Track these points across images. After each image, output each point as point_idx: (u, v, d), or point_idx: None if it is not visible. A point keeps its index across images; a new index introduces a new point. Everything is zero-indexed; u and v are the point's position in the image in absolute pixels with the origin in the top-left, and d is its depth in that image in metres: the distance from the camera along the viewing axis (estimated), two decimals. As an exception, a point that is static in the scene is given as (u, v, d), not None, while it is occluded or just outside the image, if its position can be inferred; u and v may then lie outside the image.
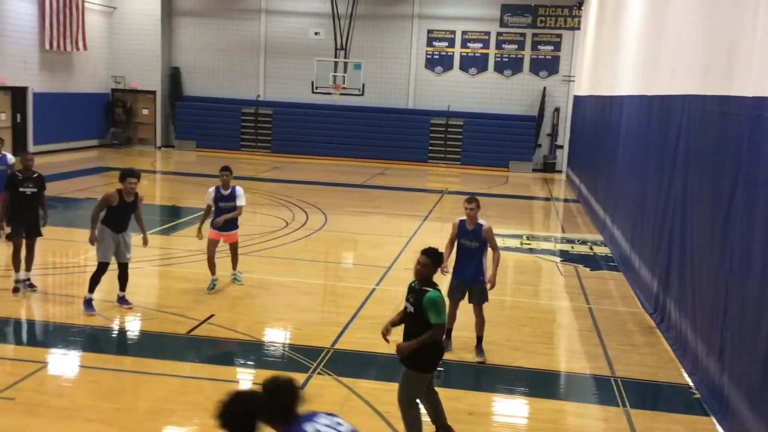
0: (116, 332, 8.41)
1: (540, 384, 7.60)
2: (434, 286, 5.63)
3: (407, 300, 5.73)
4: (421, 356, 5.61)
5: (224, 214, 9.77)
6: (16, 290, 9.25)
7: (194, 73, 28.89)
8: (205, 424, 6.19)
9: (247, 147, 28.38)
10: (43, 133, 24.33)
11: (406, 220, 16.31)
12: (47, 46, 23.83)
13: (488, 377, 7.70)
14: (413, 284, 5.72)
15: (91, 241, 8.65)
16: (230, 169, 10.11)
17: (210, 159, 26.17)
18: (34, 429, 5.90)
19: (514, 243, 14.27)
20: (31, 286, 9.43)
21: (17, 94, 23.38)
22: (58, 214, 15.59)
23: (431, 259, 5.64)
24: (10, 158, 11.90)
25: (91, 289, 8.66)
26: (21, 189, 9.21)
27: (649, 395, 7.49)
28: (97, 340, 8.07)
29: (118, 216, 8.69)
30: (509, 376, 7.71)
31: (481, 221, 7.92)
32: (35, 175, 9.40)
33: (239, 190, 9.97)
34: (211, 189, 9.93)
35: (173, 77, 28.85)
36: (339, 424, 3.66)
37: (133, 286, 9.43)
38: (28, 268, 9.44)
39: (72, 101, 25.76)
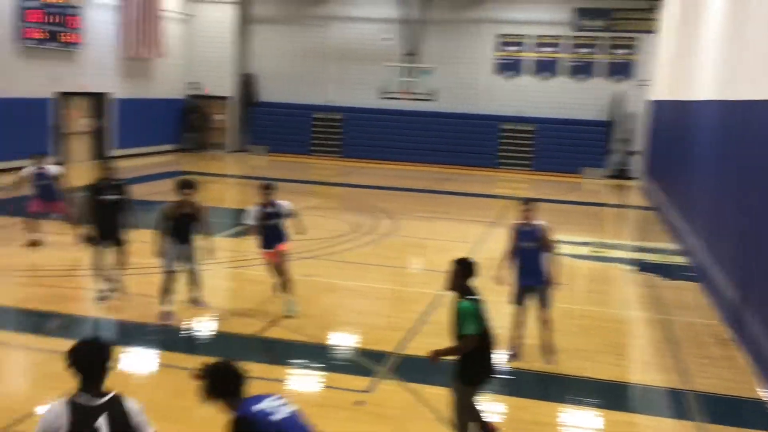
0: (189, 332, 8.62)
1: (610, 395, 7.41)
2: (466, 295, 5.50)
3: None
4: (465, 368, 5.55)
5: (271, 230, 9.38)
6: (101, 299, 9.28)
7: (268, 78, 29.42)
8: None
9: (317, 152, 28.73)
10: (122, 138, 25.20)
11: (474, 226, 16.18)
12: (127, 54, 24.69)
13: (555, 387, 7.56)
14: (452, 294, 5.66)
15: (157, 254, 8.71)
16: (272, 186, 9.71)
17: (281, 163, 26.63)
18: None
19: (585, 251, 13.98)
20: (119, 291, 9.52)
21: (98, 100, 24.31)
22: (135, 216, 16.11)
23: (459, 267, 5.56)
24: (53, 170, 12.21)
25: (163, 300, 8.72)
26: (103, 197, 9.22)
27: (725, 410, 7.21)
28: (170, 339, 8.28)
29: (178, 227, 8.68)
30: (577, 387, 7.55)
31: (537, 221, 7.99)
32: (117, 182, 9.44)
33: (284, 204, 9.60)
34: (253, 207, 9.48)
35: (247, 83, 29.46)
36: (283, 404, 4.07)
37: (205, 288, 9.63)
38: (116, 276, 9.50)
39: (149, 107, 26.61)
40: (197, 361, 7.46)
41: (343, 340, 8.73)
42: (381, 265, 12.42)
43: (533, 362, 7.96)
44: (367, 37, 28.44)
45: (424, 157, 27.51)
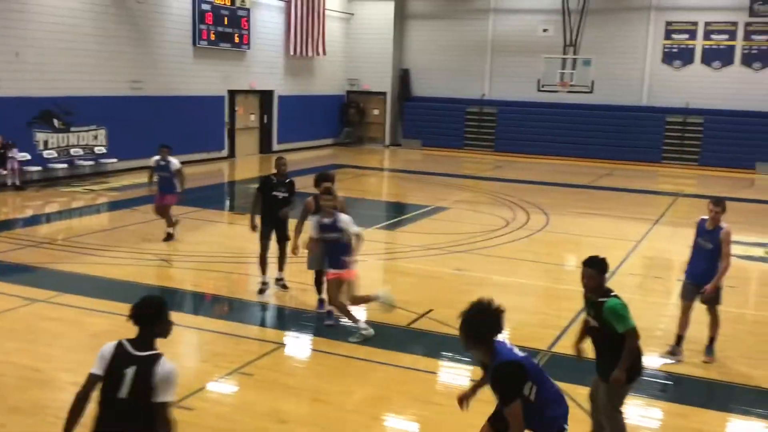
0: (343, 320, 8.88)
1: (783, 408, 6.86)
2: (609, 293, 5.30)
3: (588, 314, 5.47)
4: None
5: (330, 247, 8.02)
6: (261, 291, 9.55)
7: (422, 73, 29.70)
8: (420, 415, 6.37)
9: (470, 146, 28.65)
10: (285, 133, 26.43)
11: (634, 224, 15.49)
12: (291, 53, 25.82)
13: (720, 395, 7.10)
14: (590, 296, 5.39)
15: (293, 251, 8.80)
16: (331, 190, 8.11)
17: (434, 157, 26.82)
18: (266, 403, 6.43)
19: (759, 252, 12.99)
20: (284, 286, 9.73)
21: (265, 97, 25.62)
22: (297, 207, 16.86)
23: (595, 269, 5.29)
24: (175, 164, 12.37)
25: (320, 293, 8.79)
26: (273, 193, 9.39)
27: None
28: (325, 327, 8.58)
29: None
30: (745, 396, 7.04)
31: (722, 225, 7.63)
32: (287, 180, 9.55)
33: (344, 217, 7.99)
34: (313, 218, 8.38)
35: (403, 78, 29.90)
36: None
37: (359, 278, 9.88)
38: (281, 269, 9.74)
39: (311, 103, 27.68)
40: (349, 349, 7.74)
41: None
42: (534, 261, 12.20)
43: (696, 368, 7.53)
44: (523, 29, 27.93)
45: (582, 152, 26.66)
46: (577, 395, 6.76)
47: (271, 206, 9.39)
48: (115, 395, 3.93)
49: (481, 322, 4.25)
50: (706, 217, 7.71)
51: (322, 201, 8.06)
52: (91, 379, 4.01)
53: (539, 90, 26.12)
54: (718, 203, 7.65)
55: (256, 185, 9.82)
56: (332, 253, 7.95)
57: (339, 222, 7.84)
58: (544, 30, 27.52)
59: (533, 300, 10.12)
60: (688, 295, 7.84)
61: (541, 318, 9.29)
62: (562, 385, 6.90)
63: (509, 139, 27.93)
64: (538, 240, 13.64)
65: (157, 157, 12.41)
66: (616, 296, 5.30)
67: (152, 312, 4.05)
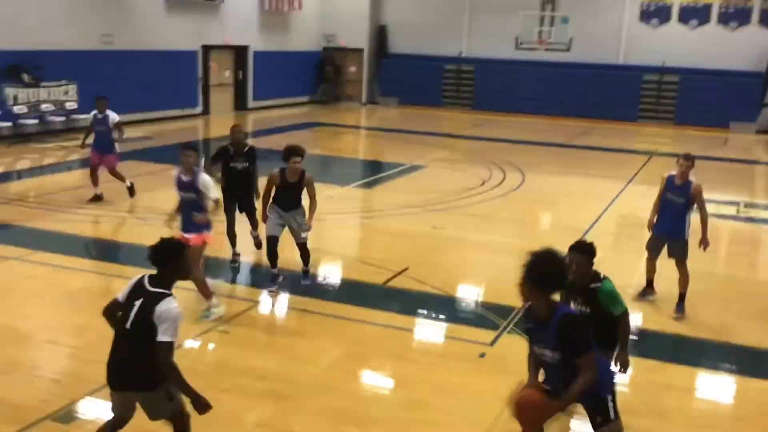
0: (319, 278, 8.91)
1: (750, 361, 7.04)
2: (599, 277, 5.05)
3: (574, 300, 5.04)
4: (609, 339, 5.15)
5: (188, 208, 7.38)
6: (233, 262, 9.17)
7: (400, 30, 29.34)
8: (396, 371, 6.45)
9: (448, 104, 28.52)
10: (261, 90, 26.08)
11: (609, 182, 15.61)
12: (267, 7, 25.34)
13: (691, 351, 7.26)
14: (577, 283, 4.92)
15: (263, 219, 8.31)
16: (195, 148, 7.75)
17: (412, 115, 26.69)
18: (244, 361, 6.47)
19: (730, 210, 13.18)
20: (258, 244, 9.38)
21: (240, 53, 25.21)
22: (271, 165, 16.74)
23: (585, 254, 4.97)
24: (113, 117, 11.63)
25: (272, 265, 8.22)
26: (232, 164, 8.80)
27: None
28: (301, 284, 8.57)
29: (283, 195, 8.08)
30: (714, 351, 7.22)
31: (691, 178, 7.86)
32: (246, 149, 8.99)
33: (204, 178, 7.38)
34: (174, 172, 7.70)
35: (379, 35, 29.55)
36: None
37: (335, 236, 9.91)
38: (254, 227, 9.29)
39: (287, 59, 27.29)
40: (325, 306, 7.79)
41: (469, 293, 8.76)
42: (510, 219, 12.28)
43: (666, 324, 7.68)
44: (502, -15, 27.62)
45: (560, 110, 26.65)
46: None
47: (231, 179, 8.84)
48: (123, 324, 4.19)
49: (550, 269, 4.12)
50: (674, 173, 7.90)
51: (289, 164, 7.96)
52: (112, 303, 4.36)
53: (517, 48, 25.96)
54: (689, 158, 7.84)
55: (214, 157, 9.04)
56: (187, 214, 7.35)
57: (198, 182, 7.25)
58: (523, -14, 27.24)
59: (508, 258, 10.16)
60: (655, 249, 8.12)
61: (516, 276, 9.36)
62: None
63: (487, 98, 27.83)
64: (514, 198, 13.71)
65: (94, 111, 11.66)
66: (607, 278, 5.09)
67: (164, 255, 4.27)
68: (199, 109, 23.44)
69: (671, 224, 7.89)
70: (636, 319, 7.59)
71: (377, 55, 29.57)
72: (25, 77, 17.38)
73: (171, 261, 4.28)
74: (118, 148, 11.99)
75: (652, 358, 6.93)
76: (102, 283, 8.48)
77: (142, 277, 4.31)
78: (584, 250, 5.00)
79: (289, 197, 8.14)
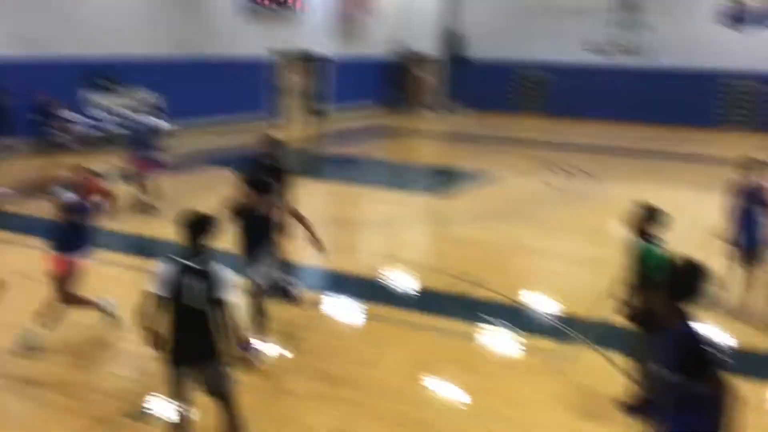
0: (387, 284, 8.94)
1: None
2: (650, 240, 5.52)
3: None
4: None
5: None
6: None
7: (474, 36, 29.18)
8: (460, 378, 6.41)
9: (522, 109, 28.20)
10: (335, 96, 26.40)
11: (687, 190, 15.12)
12: (341, 15, 25.65)
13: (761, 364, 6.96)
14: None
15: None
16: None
17: (484, 121, 26.51)
18: (311, 365, 6.55)
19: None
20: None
21: (313, 60, 25.54)
22: (343, 171, 16.93)
23: (644, 210, 5.62)
24: (156, 122, 11.75)
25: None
26: (257, 176, 7.00)
27: None
28: (371, 290, 8.62)
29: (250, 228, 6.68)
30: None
31: (766, 183, 8.01)
32: (275, 161, 8.07)
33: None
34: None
35: (453, 41, 29.47)
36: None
37: (405, 243, 9.91)
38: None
39: (360, 66, 27.54)
40: (394, 313, 7.81)
41: (540, 303, 8.63)
42: (583, 228, 12.05)
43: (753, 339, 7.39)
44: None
45: (635, 115, 26.02)
46: (620, 361, 6.71)
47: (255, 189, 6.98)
48: (183, 304, 4.63)
49: (691, 279, 3.81)
50: (751, 181, 7.96)
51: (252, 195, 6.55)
52: (149, 303, 4.71)
53: (586, 50, 25.51)
54: (762, 164, 8.03)
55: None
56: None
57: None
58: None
59: (578, 267, 10.01)
60: (734, 257, 8.13)
61: (586, 284, 9.20)
62: (606, 352, 6.88)
63: (561, 103, 27.40)
64: (588, 206, 13.44)
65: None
66: (657, 245, 5.48)
67: (196, 226, 4.64)
68: (273, 116, 23.91)
69: (749, 232, 7.94)
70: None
71: (450, 61, 29.52)
72: (106, 84, 18.06)
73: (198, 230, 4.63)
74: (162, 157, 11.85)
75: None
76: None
77: (175, 262, 4.58)
78: (645, 207, 5.66)
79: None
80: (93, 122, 17.83)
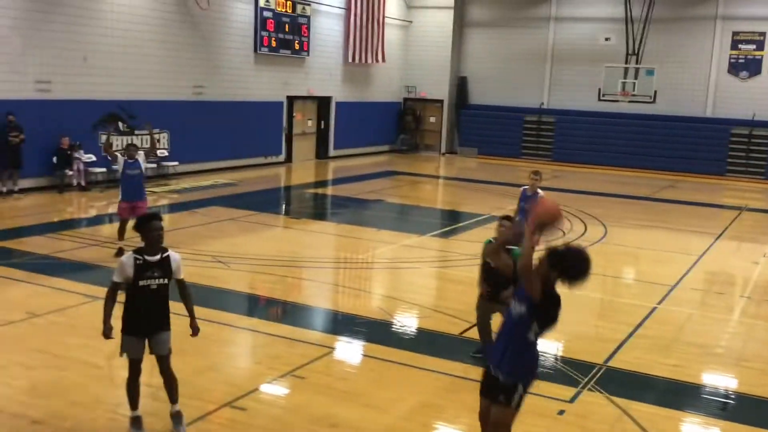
0: (394, 326, 8.90)
1: None
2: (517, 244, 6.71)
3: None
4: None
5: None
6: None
7: (480, 81, 29.56)
8: (471, 425, 6.30)
9: (527, 155, 28.36)
10: (342, 139, 26.62)
11: (697, 238, 15.09)
12: (350, 59, 26.01)
13: (786, 418, 6.83)
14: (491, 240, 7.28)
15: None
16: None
17: (491, 166, 26.64)
18: (320, 407, 6.46)
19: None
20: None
21: (323, 103, 25.87)
22: (350, 213, 16.96)
23: (511, 221, 7.29)
24: (142, 163, 11.42)
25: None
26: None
27: None
28: (377, 332, 8.59)
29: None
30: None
31: (539, 192, 9.88)
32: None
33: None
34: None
35: (460, 86, 29.81)
36: None
37: (411, 285, 9.87)
38: None
39: (368, 109, 27.82)
40: (401, 355, 7.73)
41: (547, 348, 8.53)
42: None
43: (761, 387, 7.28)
44: (583, 37, 27.57)
45: (643, 163, 26.13)
46: (632, 410, 6.61)
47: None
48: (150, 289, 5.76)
49: (577, 262, 4.58)
50: (527, 186, 10.23)
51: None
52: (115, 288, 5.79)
53: (599, 99, 25.72)
54: (537, 174, 10.40)
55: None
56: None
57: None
58: (607, 39, 27.08)
59: (589, 313, 9.94)
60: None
61: (597, 331, 9.12)
62: (617, 400, 6.79)
63: (568, 149, 27.56)
64: (595, 251, 13.37)
65: (124, 158, 11.27)
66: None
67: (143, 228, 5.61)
68: (282, 157, 24.08)
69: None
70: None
71: (457, 105, 29.81)
72: (120, 125, 18.28)
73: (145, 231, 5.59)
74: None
75: (742, 422, 6.56)
76: (183, 322, 8.68)
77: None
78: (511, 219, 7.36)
79: None
80: (107, 163, 17.92)
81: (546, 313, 4.67)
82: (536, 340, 4.74)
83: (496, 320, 6.60)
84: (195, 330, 5.95)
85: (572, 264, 4.54)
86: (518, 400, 4.76)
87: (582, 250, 4.65)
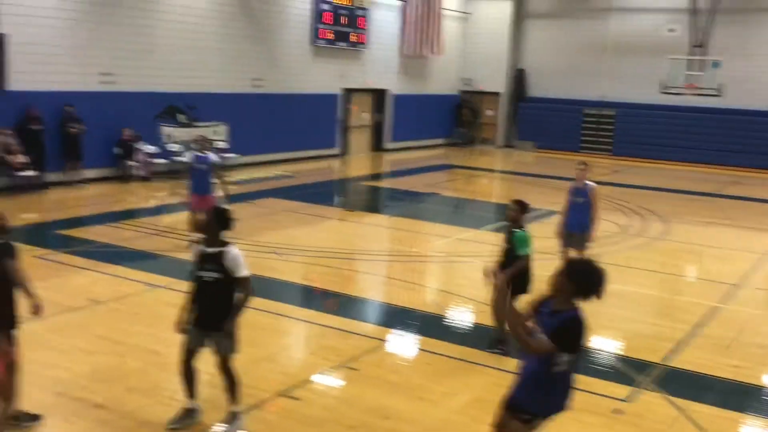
0: (448, 321, 8.87)
1: None
2: (521, 227, 7.41)
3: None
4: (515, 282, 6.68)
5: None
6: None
7: (538, 74, 29.14)
8: (524, 422, 6.24)
9: (586, 149, 27.85)
10: (398, 132, 26.61)
11: (762, 235, 14.59)
12: (407, 52, 25.95)
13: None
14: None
15: None
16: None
17: (548, 159, 26.26)
18: (372, 399, 6.49)
19: None
20: None
21: (379, 96, 25.89)
22: (405, 206, 16.96)
23: (519, 205, 7.49)
24: (213, 158, 11.52)
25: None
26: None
27: None
28: (431, 326, 8.59)
29: None
30: None
31: (588, 183, 9.59)
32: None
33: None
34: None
35: (518, 78, 29.45)
36: None
37: (466, 279, 9.81)
38: None
39: (424, 102, 27.73)
40: (454, 350, 7.70)
41: (605, 345, 8.39)
42: (650, 270, 11.72)
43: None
44: (645, 28, 26.86)
45: (707, 158, 25.38)
46: (691, 411, 6.45)
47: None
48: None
49: (591, 277, 4.37)
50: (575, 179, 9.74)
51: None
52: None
53: (662, 92, 25.07)
54: (582, 163, 9.88)
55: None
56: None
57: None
58: (671, 30, 26.34)
59: (648, 310, 9.72)
60: (566, 241, 9.75)
61: (656, 329, 8.91)
62: (675, 400, 6.62)
63: (628, 143, 26.96)
64: (655, 248, 13.10)
65: (194, 152, 11.47)
66: (524, 230, 7.44)
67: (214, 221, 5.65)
68: (338, 150, 24.21)
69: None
70: None
71: (515, 98, 29.47)
72: (181, 117, 18.63)
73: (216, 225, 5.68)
74: (216, 191, 11.52)
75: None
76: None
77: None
78: (519, 203, 7.54)
79: None
80: (168, 154, 18.32)
81: (571, 344, 4.39)
82: (567, 368, 4.41)
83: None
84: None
85: (590, 276, 4.37)
86: (540, 425, 4.58)
87: (598, 265, 4.42)
